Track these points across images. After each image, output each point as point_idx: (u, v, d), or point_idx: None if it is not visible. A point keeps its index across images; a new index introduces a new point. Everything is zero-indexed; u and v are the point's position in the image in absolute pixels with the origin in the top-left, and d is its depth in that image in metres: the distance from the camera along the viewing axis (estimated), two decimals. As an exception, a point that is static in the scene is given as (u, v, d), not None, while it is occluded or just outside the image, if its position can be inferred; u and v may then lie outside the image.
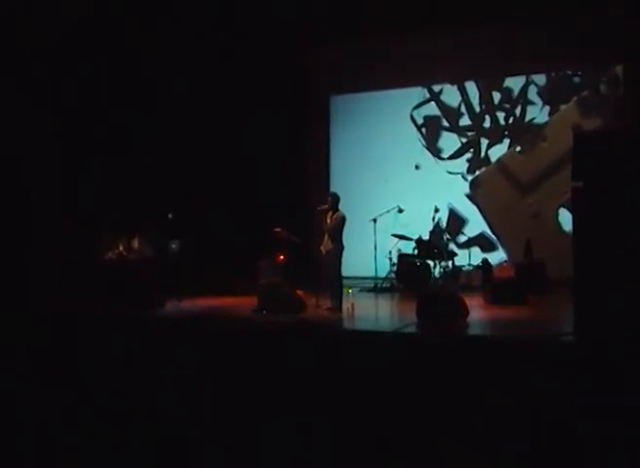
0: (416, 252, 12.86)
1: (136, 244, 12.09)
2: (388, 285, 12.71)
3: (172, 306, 10.49)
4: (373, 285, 12.67)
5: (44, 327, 8.60)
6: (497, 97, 13.95)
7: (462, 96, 14.19)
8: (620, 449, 5.08)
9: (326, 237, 10.02)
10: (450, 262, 12.75)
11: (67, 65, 12.19)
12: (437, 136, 14.42)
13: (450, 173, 14.21)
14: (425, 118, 14.51)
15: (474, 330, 8.35)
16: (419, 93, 14.49)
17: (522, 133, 13.73)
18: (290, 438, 5.49)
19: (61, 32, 11.92)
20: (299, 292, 10.01)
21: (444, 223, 13.82)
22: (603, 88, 13.07)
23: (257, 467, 5.41)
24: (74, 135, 12.37)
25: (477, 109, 14.10)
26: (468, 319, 8.67)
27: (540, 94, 13.56)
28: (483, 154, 14.04)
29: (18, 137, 11.76)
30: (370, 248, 12.27)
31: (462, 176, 14.15)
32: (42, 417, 6.14)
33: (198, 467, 5.56)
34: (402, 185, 14.05)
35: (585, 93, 13.20)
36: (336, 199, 10.03)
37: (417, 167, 14.42)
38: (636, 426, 5.23)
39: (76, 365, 7.29)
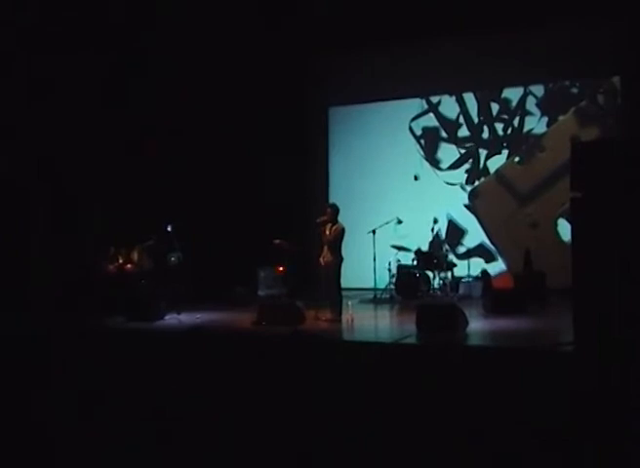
0: (415, 263, 12.87)
1: (135, 256, 12.10)
2: (388, 296, 12.69)
3: (171, 318, 10.47)
4: (372, 296, 12.66)
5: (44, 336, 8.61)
6: (495, 107, 13.99)
7: (461, 107, 14.24)
8: (621, 461, 5.06)
9: (325, 248, 10.01)
10: (449, 273, 12.76)
11: (66, 70, 12.20)
12: (436, 147, 14.46)
13: (449, 183, 14.23)
14: (424, 129, 14.54)
15: (474, 340, 8.34)
16: (417, 104, 14.53)
17: (520, 143, 13.77)
18: (290, 448, 5.47)
19: (59, 31, 11.91)
20: (298, 303, 10.01)
21: (443, 234, 13.80)
22: (601, 98, 13.12)
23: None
24: (78, 141, 12.41)
25: (476, 120, 14.14)
26: (468, 330, 8.67)
27: (538, 104, 13.60)
28: (482, 165, 14.06)
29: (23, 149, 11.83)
30: (369, 259, 12.25)
31: (461, 187, 14.16)
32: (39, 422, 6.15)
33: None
34: (401, 196, 14.09)
35: (583, 103, 13.24)
36: (335, 210, 10.04)
37: (415, 178, 14.45)
38: (636, 436, 5.22)
39: (74, 376, 7.28)
